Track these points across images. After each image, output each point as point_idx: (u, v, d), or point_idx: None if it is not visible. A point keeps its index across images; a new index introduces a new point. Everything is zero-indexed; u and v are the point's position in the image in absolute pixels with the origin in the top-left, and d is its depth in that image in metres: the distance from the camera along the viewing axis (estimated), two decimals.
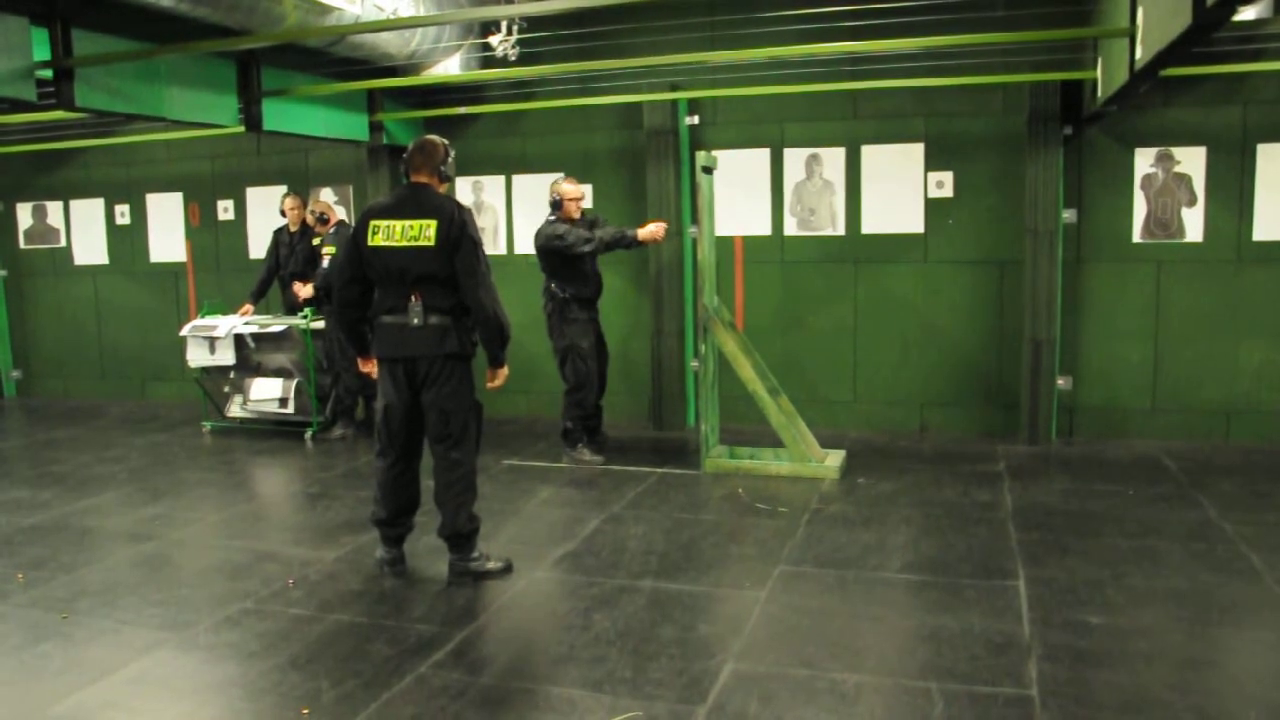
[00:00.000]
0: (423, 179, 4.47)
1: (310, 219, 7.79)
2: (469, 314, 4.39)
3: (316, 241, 7.74)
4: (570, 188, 6.65)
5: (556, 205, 6.61)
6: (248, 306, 8.11)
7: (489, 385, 4.63)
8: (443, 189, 4.52)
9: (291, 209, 8.05)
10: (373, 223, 4.37)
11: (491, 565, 4.58)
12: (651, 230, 6.61)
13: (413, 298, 4.32)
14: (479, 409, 4.55)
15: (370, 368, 4.62)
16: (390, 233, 4.32)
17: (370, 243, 4.35)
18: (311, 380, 7.65)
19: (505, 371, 4.62)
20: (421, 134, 8.33)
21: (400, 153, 8.19)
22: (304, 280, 7.81)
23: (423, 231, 4.28)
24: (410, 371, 4.39)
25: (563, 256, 6.50)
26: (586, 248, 6.45)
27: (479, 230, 4.42)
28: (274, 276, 8.23)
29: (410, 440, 4.53)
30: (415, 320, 4.32)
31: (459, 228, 4.28)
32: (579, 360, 6.64)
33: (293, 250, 8.06)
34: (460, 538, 4.52)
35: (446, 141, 4.57)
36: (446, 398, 4.39)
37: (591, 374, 6.70)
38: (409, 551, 4.75)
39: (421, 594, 4.42)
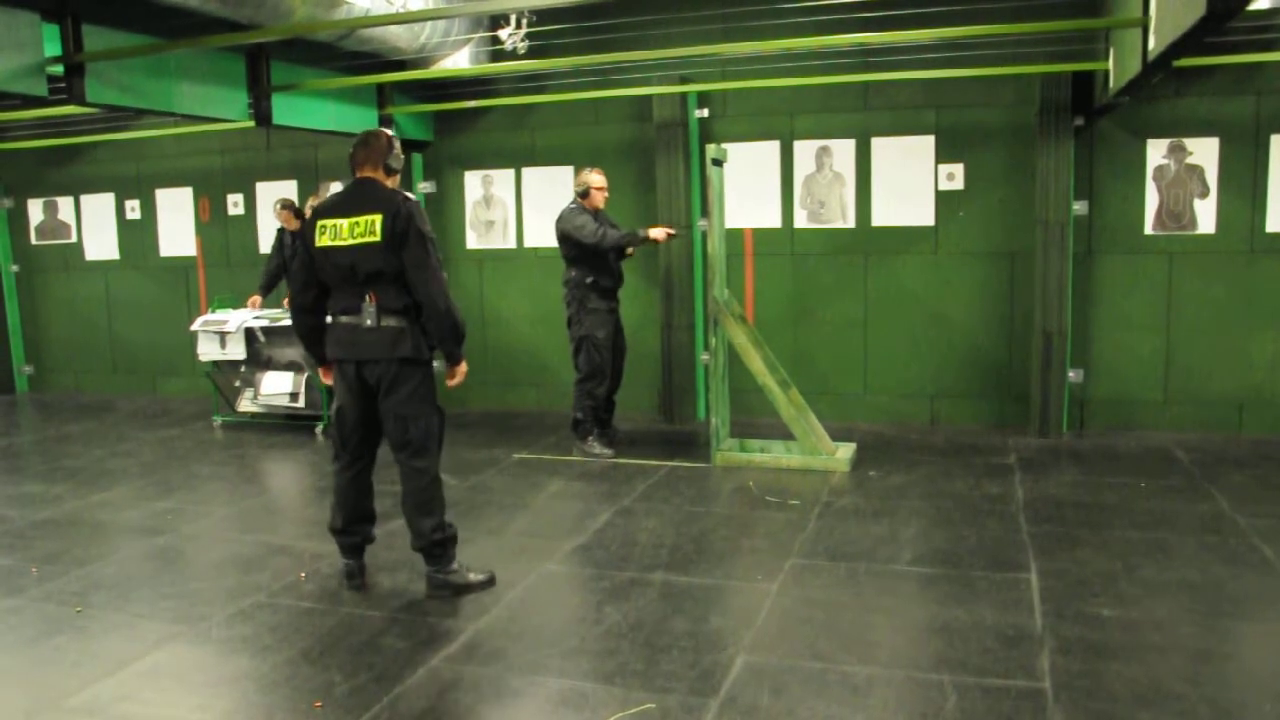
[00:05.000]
0: (368, 173, 4.25)
1: (309, 214, 7.81)
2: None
3: None
4: (598, 178, 6.69)
5: (584, 194, 6.65)
6: (256, 297, 8.17)
7: (449, 383, 4.44)
8: (390, 182, 4.28)
9: (282, 212, 8.12)
10: (320, 223, 4.18)
11: (473, 577, 4.35)
12: (659, 232, 6.71)
13: (367, 298, 4.12)
14: (441, 414, 4.33)
15: (331, 377, 4.42)
16: (337, 231, 4.13)
17: (318, 243, 4.17)
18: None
19: (464, 369, 4.38)
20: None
21: (409, 147, 8.28)
22: None
23: (369, 227, 4.07)
24: (362, 374, 4.20)
25: (582, 243, 6.53)
26: (590, 240, 6.47)
27: (427, 223, 4.20)
28: (281, 273, 8.29)
29: (363, 444, 4.34)
30: (368, 322, 4.12)
31: (405, 220, 4.06)
32: (594, 350, 6.65)
33: (295, 251, 8.10)
34: (434, 548, 4.28)
35: (391, 132, 4.40)
36: (403, 404, 4.17)
37: (605, 364, 6.71)
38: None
39: None
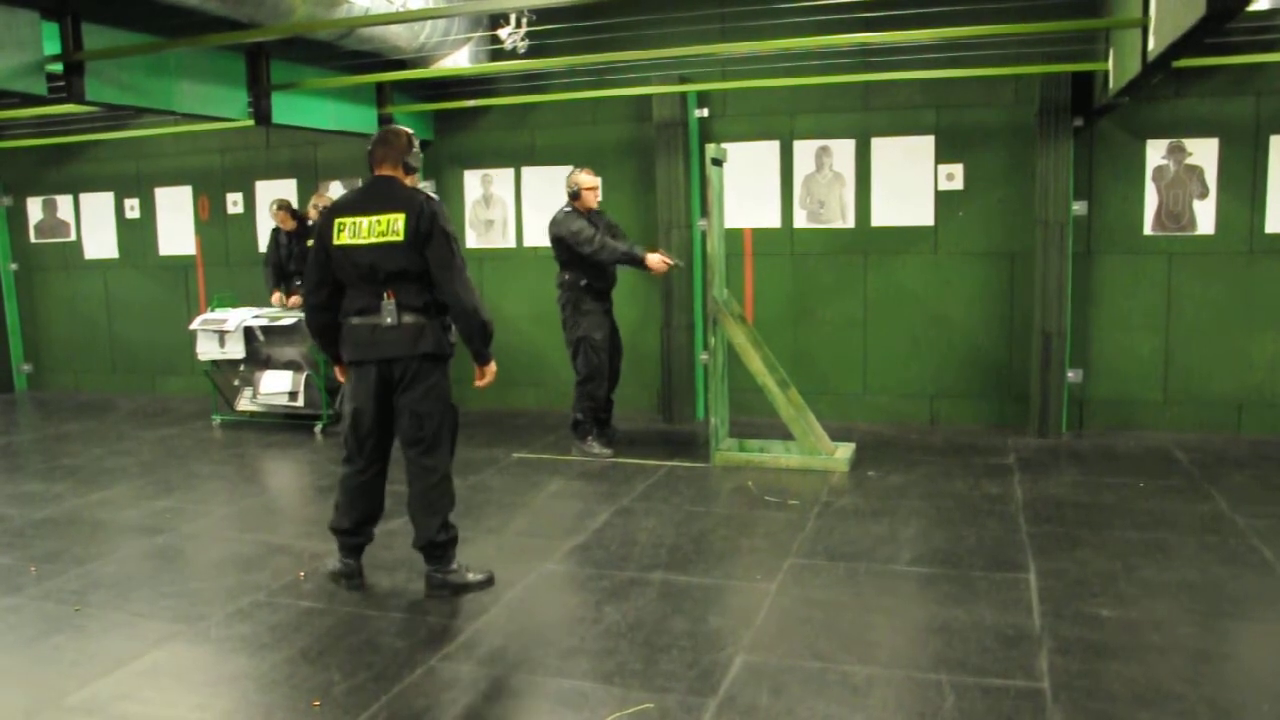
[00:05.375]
0: (387, 171, 4.22)
1: (314, 214, 7.85)
2: (444, 312, 4.18)
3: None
4: (588, 178, 6.61)
5: (575, 195, 6.59)
6: (279, 294, 8.20)
7: (477, 384, 4.40)
8: (409, 180, 4.26)
9: (279, 213, 8.15)
10: (338, 220, 4.14)
11: (472, 577, 4.31)
12: (657, 261, 6.55)
13: (385, 296, 4.09)
14: (455, 413, 4.31)
15: (345, 375, 4.39)
16: (357, 230, 4.09)
17: (336, 241, 4.13)
18: (321, 373, 7.67)
19: (493, 368, 4.38)
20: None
21: None
22: None
23: (391, 226, 4.05)
24: (384, 374, 4.16)
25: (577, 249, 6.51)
26: (604, 255, 6.43)
27: (451, 222, 4.19)
28: (280, 271, 8.33)
29: (378, 446, 4.30)
30: (388, 320, 4.09)
31: (429, 220, 4.05)
32: (591, 351, 6.63)
33: (291, 251, 8.16)
34: (436, 548, 4.25)
35: (411, 130, 4.37)
36: (419, 400, 4.15)
37: (603, 365, 6.69)
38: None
39: None
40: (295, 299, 7.98)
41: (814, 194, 7.55)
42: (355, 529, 4.39)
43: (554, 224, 6.58)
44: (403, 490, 4.36)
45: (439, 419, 4.22)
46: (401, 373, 4.15)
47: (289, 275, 8.24)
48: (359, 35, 6.30)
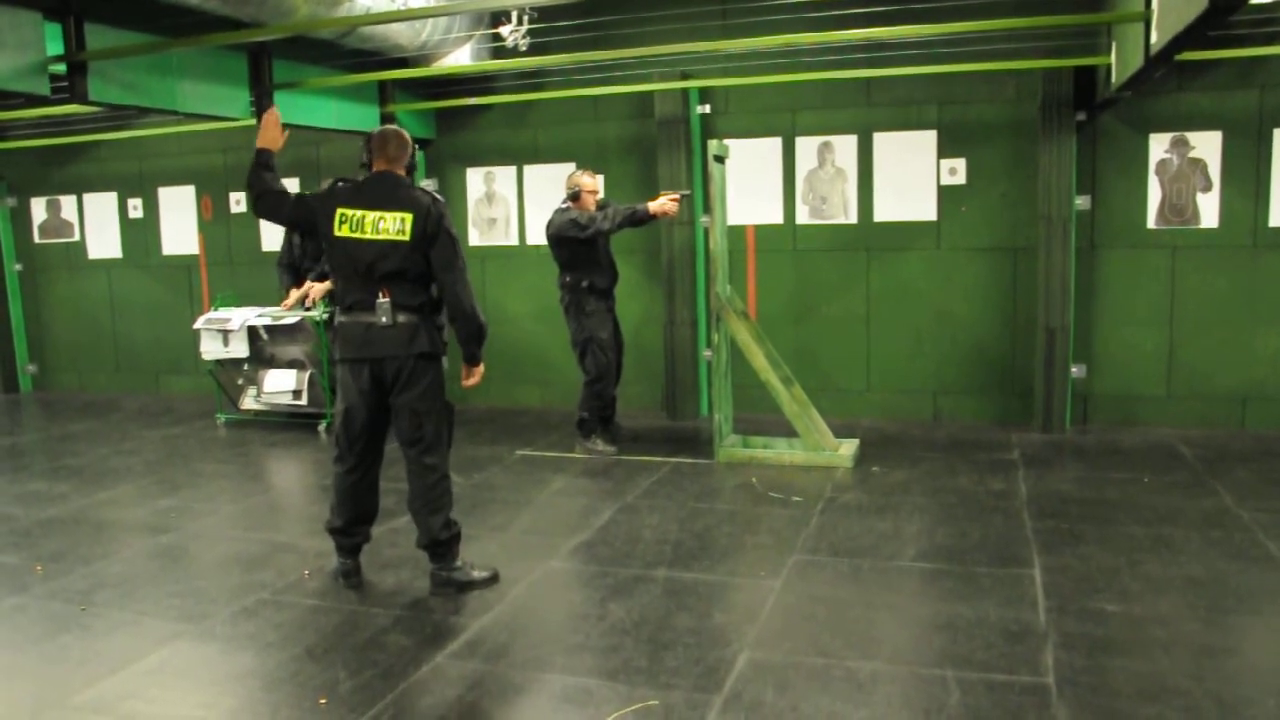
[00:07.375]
0: (384, 166, 4.19)
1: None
2: (437, 311, 4.19)
3: None
4: (589, 180, 6.57)
5: (575, 197, 6.55)
6: (294, 293, 8.09)
7: (464, 383, 4.40)
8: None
9: None
10: (340, 210, 4.09)
11: (477, 574, 4.33)
12: (661, 204, 6.34)
13: (380, 295, 4.08)
14: (451, 410, 4.33)
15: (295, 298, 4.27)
16: (360, 224, 4.06)
17: (336, 234, 4.10)
18: (325, 372, 7.67)
19: (481, 370, 4.38)
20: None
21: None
22: (322, 278, 7.82)
23: (396, 225, 4.04)
24: (377, 373, 4.15)
25: (577, 245, 6.46)
26: (606, 225, 6.31)
27: (454, 224, 4.19)
28: (296, 271, 8.27)
29: (370, 445, 4.29)
30: (383, 319, 4.07)
31: (436, 222, 4.05)
32: (599, 351, 6.60)
33: (305, 250, 8.13)
34: (440, 546, 4.27)
35: (407, 132, 4.35)
36: (418, 399, 4.15)
37: (611, 365, 6.68)
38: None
39: None
40: (293, 298, 7.91)
41: (816, 190, 7.55)
42: (348, 528, 4.40)
43: (550, 225, 6.52)
44: (405, 489, 4.35)
45: (437, 417, 4.23)
46: (396, 372, 4.15)
47: (303, 274, 8.16)
48: (360, 34, 6.30)
